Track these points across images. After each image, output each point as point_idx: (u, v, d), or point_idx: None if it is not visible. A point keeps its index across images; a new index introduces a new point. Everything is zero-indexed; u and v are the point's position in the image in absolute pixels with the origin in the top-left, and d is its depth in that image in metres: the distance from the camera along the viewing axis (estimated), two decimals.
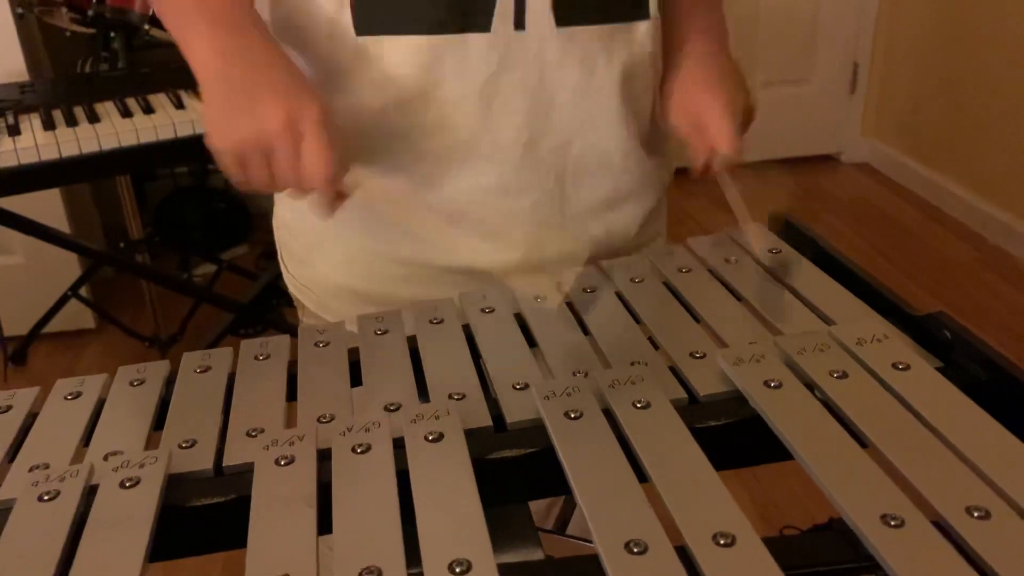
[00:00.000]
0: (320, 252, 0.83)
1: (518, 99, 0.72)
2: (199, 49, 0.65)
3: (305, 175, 0.62)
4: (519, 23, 0.70)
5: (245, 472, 0.51)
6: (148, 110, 1.58)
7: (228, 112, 0.63)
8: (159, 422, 0.59)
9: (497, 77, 0.71)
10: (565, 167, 0.76)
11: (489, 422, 0.55)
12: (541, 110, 0.73)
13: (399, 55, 0.70)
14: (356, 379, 0.62)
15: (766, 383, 0.55)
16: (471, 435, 0.52)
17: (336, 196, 0.65)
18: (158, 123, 1.54)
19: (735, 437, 0.55)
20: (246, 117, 0.62)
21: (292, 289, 0.88)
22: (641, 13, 0.75)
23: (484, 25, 0.69)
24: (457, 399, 0.57)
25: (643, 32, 0.75)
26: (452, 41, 0.70)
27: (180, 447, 0.54)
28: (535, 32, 0.70)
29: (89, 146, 1.49)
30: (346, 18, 0.70)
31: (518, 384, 0.58)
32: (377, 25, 0.70)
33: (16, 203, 1.71)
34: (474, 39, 0.70)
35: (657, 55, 0.79)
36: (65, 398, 0.61)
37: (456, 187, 0.75)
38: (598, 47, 0.73)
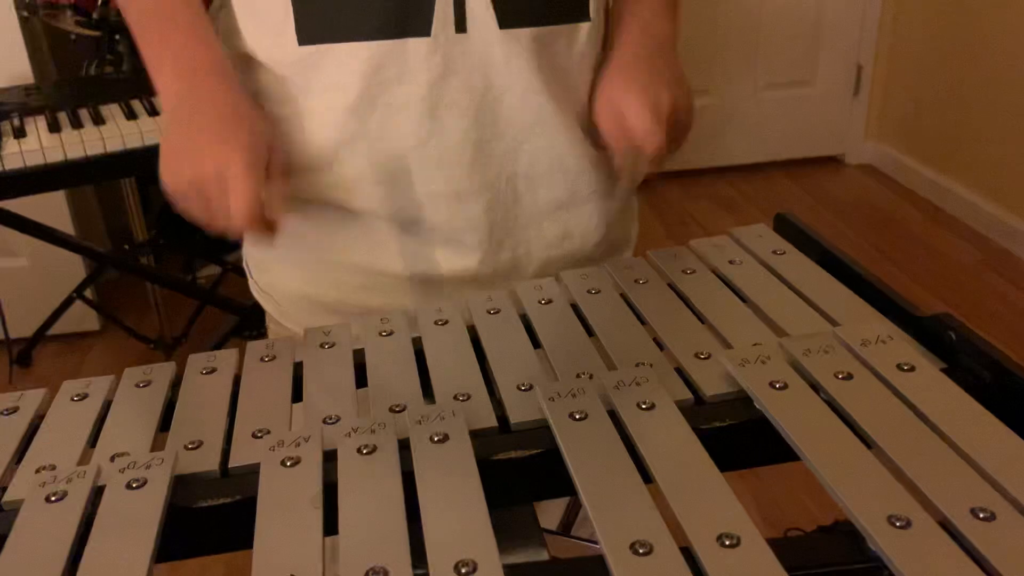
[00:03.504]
0: (277, 260, 0.83)
1: (464, 102, 0.72)
2: (163, 89, 0.71)
3: (231, 215, 0.65)
4: (460, 26, 0.70)
5: (251, 473, 0.51)
6: (153, 112, 1.59)
7: (173, 154, 0.68)
8: (165, 423, 0.59)
9: (442, 81, 0.71)
10: (516, 169, 0.76)
11: (494, 423, 0.55)
12: (488, 113, 0.73)
13: (342, 63, 0.70)
14: (361, 380, 0.62)
15: (771, 384, 0.55)
16: (476, 436, 0.52)
17: (265, 231, 0.67)
18: (163, 125, 1.55)
19: (740, 438, 0.55)
20: (185, 161, 0.67)
21: (256, 295, 0.88)
22: (582, 15, 0.75)
23: (424, 30, 0.69)
24: (462, 400, 0.57)
25: (584, 34, 0.75)
26: (393, 47, 0.69)
27: (186, 448, 0.55)
28: (478, 35, 0.70)
29: (94, 148, 1.50)
30: (289, 27, 0.70)
31: (523, 385, 0.58)
32: (318, 34, 0.70)
33: (21, 205, 1.72)
34: (415, 44, 0.69)
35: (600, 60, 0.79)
36: (72, 399, 0.61)
37: (406, 194, 0.75)
38: (543, 49, 0.73)
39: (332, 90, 0.72)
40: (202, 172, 0.65)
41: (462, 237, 0.77)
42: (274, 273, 0.84)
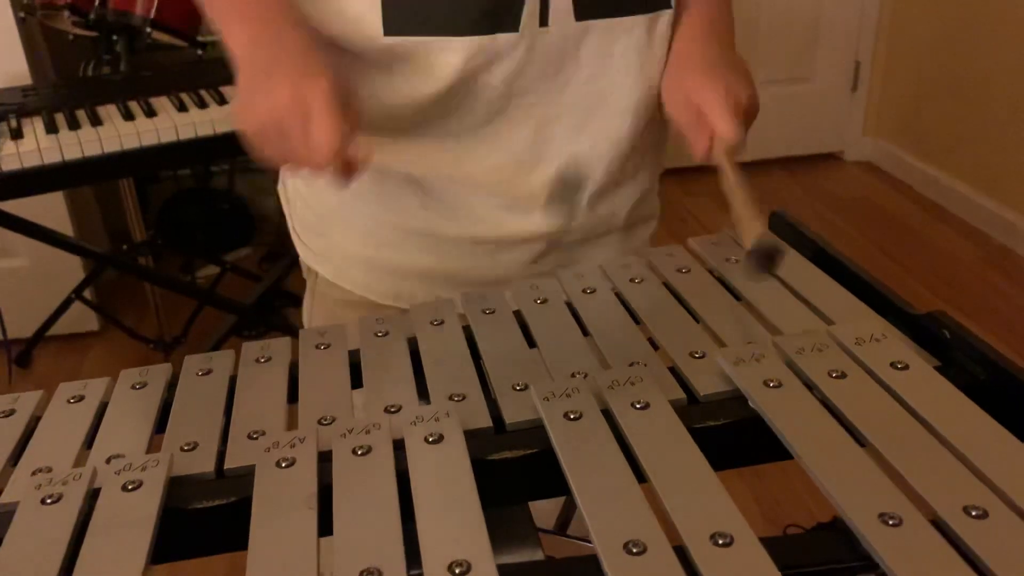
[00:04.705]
0: (335, 223, 0.86)
1: (536, 88, 0.75)
2: (234, 42, 0.68)
3: (314, 148, 0.62)
4: (543, 20, 0.72)
5: (246, 474, 0.51)
6: (150, 113, 1.59)
7: (249, 94, 0.66)
8: (161, 425, 0.59)
9: (521, 70, 0.74)
10: (577, 148, 0.79)
11: (489, 423, 0.55)
12: (555, 96, 0.76)
13: (434, 56, 0.72)
14: (357, 381, 0.62)
15: (766, 383, 0.55)
16: (471, 436, 0.52)
17: (347, 168, 0.64)
18: (160, 126, 1.55)
19: (735, 437, 0.55)
20: (261, 96, 0.64)
21: (305, 259, 0.91)
22: (663, 3, 0.77)
23: (513, 25, 0.72)
24: (457, 400, 0.58)
25: (665, 22, 0.77)
26: (484, 42, 0.72)
27: (182, 450, 0.55)
28: (557, 28, 0.73)
29: (91, 149, 1.50)
30: (374, 17, 0.71)
31: (518, 385, 0.58)
32: (406, 26, 0.71)
33: (20, 206, 1.71)
34: (503, 38, 0.72)
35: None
36: (68, 401, 0.61)
37: (471, 164, 0.78)
38: (615, 38, 0.76)
39: (419, 78, 0.73)
40: (281, 104, 0.63)
41: (520, 203, 0.80)
42: (331, 237, 0.87)
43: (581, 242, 0.85)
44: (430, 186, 0.79)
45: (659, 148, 0.88)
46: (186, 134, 1.56)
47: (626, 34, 0.76)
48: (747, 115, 0.74)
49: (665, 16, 0.77)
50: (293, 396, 0.61)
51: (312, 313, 0.93)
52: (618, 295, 0.71)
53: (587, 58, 0.76)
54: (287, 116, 0.63)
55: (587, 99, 0.77)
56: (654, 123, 0.84)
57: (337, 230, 0.86)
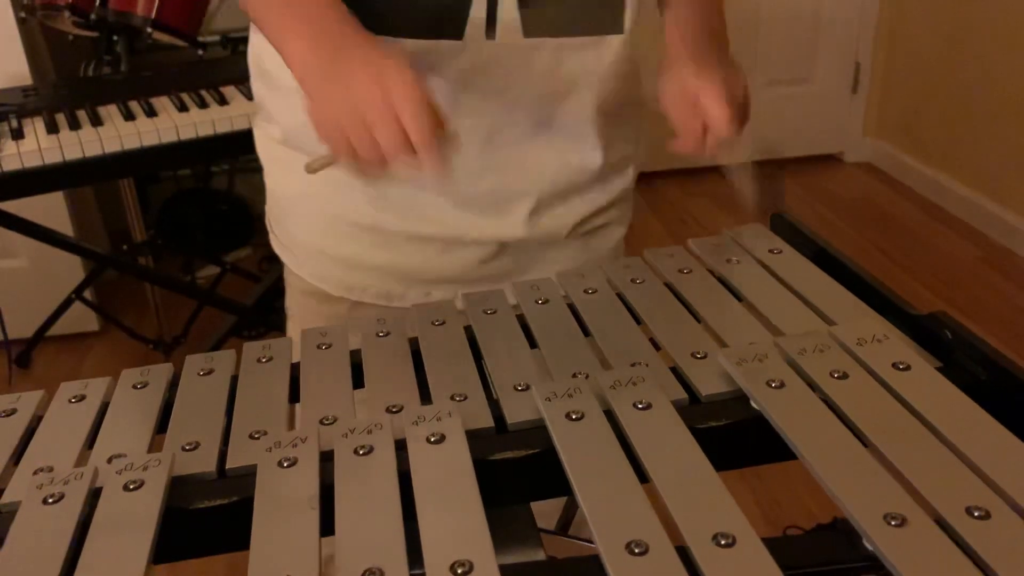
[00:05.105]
0: (292, 215, 0.87)
1: (482, 99, 0.76)
2: (295, 48, 0.67)
3: (405, 123, 0.60)
4: (490, 33, 0.73)
5: (248, 474, 0.51)
6: (151, 113, 1.59)
7: (323, 92, 0.64)
8: (162, 425, 0.59)
9: (469, 80, 0.75)
10: (526, 159, 0.80)
11: (491, 423, 0.55)
12: (503, 110, 0.77)
13: None
14: (358, 381, 0.62)
15: (768, 383, 0.55)
16: (473, 436, 0.52)
17: (442, 143, 0.61)
18: (160, 126, 1.55)
19: (737, 437, 0.55)
20: (338, 89, 0.62)
21: (275, 247, 0.93)
22: (615, 28, 0.77)
23: (457, 34, 0.72)
24: (459, 400, 0.58)
25: (616, 45, 0.78)
26: (427, 46, 0.73)
27: (183, 449, 0.55)
28: (505, 41, 0.74)
29: (92, 149, 1.50)
30: None
31: (519, 385, 0.58)
32: (361, 21, 0.72)
33: (20, 206, 1.71)
34: (447, 45, 0.73)
35: (635, 69, 0.83)
36: (69, 401, 0.61)
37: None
38: (565, 57, 0.76)
39: None
40: (360, 88, 0.61)
41: (467, 206, 0.81)
42: (291, 229, 0.88)
43: (534, 246, 0.86)
44: (380, 184, 0.80)
45: (625, 164, 0.88)
46: (187, 134, 1.56)
47: (577, 54, 0.77)
48: (740, 111, 0.74)
49: (616, 41, 0.78)
50: (295, 396, 0.61)
51: (289, 300, 0.96)
52: (619, 295, 0.71)
53: (538, 75, 0.76)
54: (368, 100, 0.60)
55: (537, 115, 0.78)
56: (618, 142, 0.85)
57: (294, 221, 0.88)
